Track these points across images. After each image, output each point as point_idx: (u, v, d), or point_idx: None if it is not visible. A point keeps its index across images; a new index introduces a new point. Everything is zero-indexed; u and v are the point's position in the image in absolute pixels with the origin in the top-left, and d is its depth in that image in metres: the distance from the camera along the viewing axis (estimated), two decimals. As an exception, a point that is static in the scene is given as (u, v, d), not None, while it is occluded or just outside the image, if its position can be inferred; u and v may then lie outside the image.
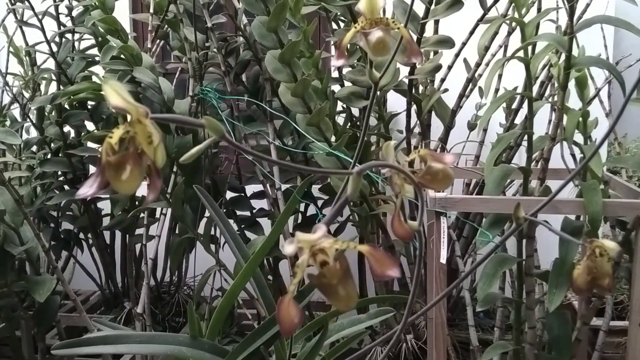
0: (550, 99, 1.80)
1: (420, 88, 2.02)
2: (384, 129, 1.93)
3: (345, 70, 1.98)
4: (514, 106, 1.97)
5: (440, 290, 1.44)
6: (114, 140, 0.47)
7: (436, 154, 0.65)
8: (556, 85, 1.72)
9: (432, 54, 1.85)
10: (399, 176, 0.63)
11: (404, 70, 1.87)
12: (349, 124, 1.97)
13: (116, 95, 0.46)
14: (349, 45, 1.95)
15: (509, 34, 2.04)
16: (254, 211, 2.02)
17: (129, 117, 0.48)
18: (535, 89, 1.79)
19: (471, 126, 2.31)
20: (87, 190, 0.47)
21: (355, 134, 1.88)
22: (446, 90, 1.85)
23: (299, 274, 0.49)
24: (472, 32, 1.85)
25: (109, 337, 0.81)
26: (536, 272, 1.54)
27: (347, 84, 1.92)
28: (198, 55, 1.65)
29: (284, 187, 1.86)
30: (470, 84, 1.93)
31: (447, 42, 1.52)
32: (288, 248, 0.47)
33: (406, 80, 1.87)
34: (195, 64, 1.83)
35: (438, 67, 1.61)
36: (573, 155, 1.71)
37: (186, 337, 0.89)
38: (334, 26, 1.96)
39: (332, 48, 2.13)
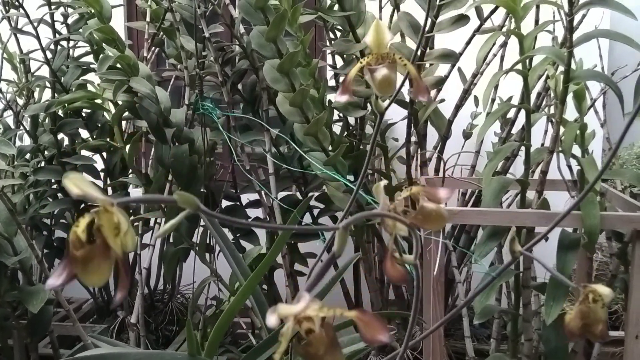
0: (546, 110, 1.80)
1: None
2: (379, 137, 1.92)
3: (342, 79, 1.98)
4: (509, 116, 1.97)
5: (437, 302, 1.44)
6: (80, 230, 0.45)
7: (429, 190, 0.64)
8: (552, 96, 1.73)
9: (427, 64, 1.85)
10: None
11: (401, 79, 1.86)
12: (346, 132, 1.97)
13: (75, 187, 0.44)
14: (345, 56, 1.96)
15: (505, 44, 2.05)
16: (250, 220, 2.01)
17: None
18: (532, 99, 1.79)
19: (466, 135, 2.31)
20: (55, 281, 0.45)
21: (351, 143, 1.88)
22: (442, 100, 1.85)
23: (284, 343, 0.47)
24: (468, 43, 1.85)
25: (106, 356, 0.80)
26: (533, 284, 1.54)
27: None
28: (197, 64, 1.64)
29: (280, 195, 1.85)
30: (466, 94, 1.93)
31: (451, 56, 1.52)
32: (270, 319, 0.45)
33: (403, 90, 1.87)
34: (191, 72, 1.82)
35: (440, 81, 1.61)
36: (569, 167, 1.71)
37: (184, 355, 0.88)
38: (331, 35, 1.96)
39: (329, 57, 2.13)
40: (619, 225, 1.39)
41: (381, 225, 1.66)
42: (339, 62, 2.01)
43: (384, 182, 0.64)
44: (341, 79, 1.99)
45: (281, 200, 1.86)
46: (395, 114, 1.93)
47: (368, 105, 1.81)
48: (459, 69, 2.00)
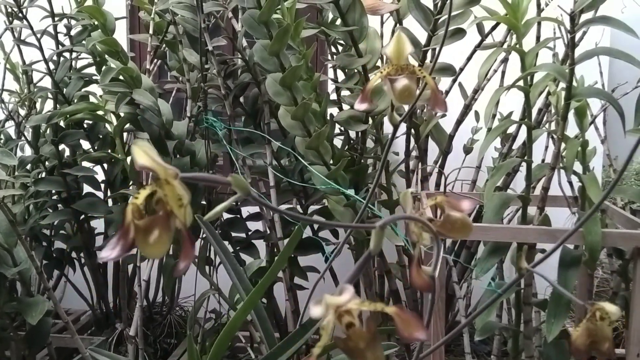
0: (547, 126, 1.81)
1: (417, 112, 2.03)
2: (381, 151, 1.93)
3: (343, 93, 1.98)
4: (510, 131, 1.98)
5: (438, 318, 1.43)
6: (140, 201, 0.45)
7: (453, 201, 0.64)
8: (553, 112, 1.73)
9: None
10: (417, 225, 0.62)
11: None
12: (347, 146, 1.97)
13: (144, 155, 0.44)
14: (346, 70, 1.97)
15: (506, 60, 2.06)
16: (250, 233, 2.00)
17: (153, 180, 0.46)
18: (533, 115, 1.80)
19: (467, 150, 2.32)
20: (109, 253, 0.45)
21: (352, 157, 1.88)
22: (444, 115, 1.86)
23: (325, 336, 0.47)
24: (469, 59, 1.86)
25: (106, 370, 0.80)
26: (534, 300, 1.53)
27: (344, 107, 1.92)
28: (200, 77, 1.64)
29: (280, 208, 1.85)
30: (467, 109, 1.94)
31: (449, 70, 1.52)
32: (315, 310, 0.45)
33: (404, 105, 1.87)
34: (193, 85, 1.83)
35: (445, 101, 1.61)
36: (570, 183, 1.71)
37: (185, 368, 0.87)
38: (333, 50, 1.97)
39: (330, 71, 2.13)
40: (620, 243, 1.39)
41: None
42: (340, 76, 2.01)
43: (410, 189, 0.65)
44: (343, 92, 1.99)
45: (282, 212, 1.86)
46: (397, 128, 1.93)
47: (369, 119, 1.82)
48: (460, 84, 2.01)
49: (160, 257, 0.47)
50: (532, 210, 1.53)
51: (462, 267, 1.90)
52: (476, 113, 2.17)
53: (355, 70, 1.88)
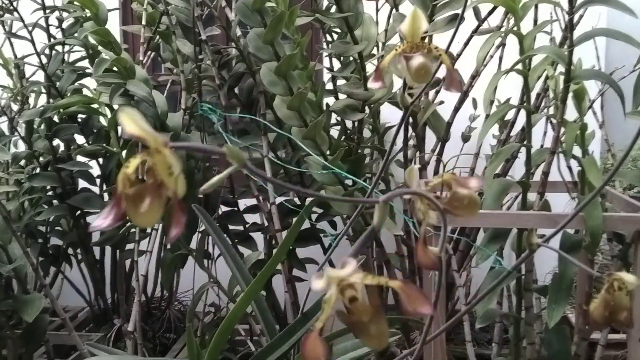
0: (545, 111, 1.79)
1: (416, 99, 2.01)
2: (378, 141, 1.91)
3: (339, 82, 1.97)
4: (507, 117, 1.96)
5: (440, 306, 1.42)
6: (131, 170, 0.45)
7: (460, 179, 0.63)
8: (551, 97, 1.72)
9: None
10: (423, 202, 0.61)
11: (397, 82, 1.85)
12: (343, 136, 1.95)
13: (132, 123, 0.43)
14: (342, 58, 1.95)
15: (502, 45, 2.04)
16: (247, 225, 1.99)
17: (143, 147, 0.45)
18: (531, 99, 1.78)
19: (465, 138, 2.30)
20: (101, 222, 0.45)
21: (349, 147, 1.86)
22: (442, 102, 1.84)
23: (327, 309, 0.46)
24: (466, 44, 1.84)
25: (106, 363, 0.78)
26: (535, 287, 1.52)
27: (340, 96, 1.90)
28: (195, 67, 1.62)
29: (278, 200, 1.83)
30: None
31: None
32: (316, 284, 0.44)
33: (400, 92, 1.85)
34: (187, 76, 1.80)
35: (437, 82, 1.60)
36: (569, 168, 1.70)
37: (185, 361, 0.86)
38: (328, 38, 1.95)
39: (326, 60, 2.11)
40: (621, 227, 1.38)
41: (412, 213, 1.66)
42: (336, 65, 2.00)
43: (417, 165, 0.63)
44: (339, 82, 1.98)
45: (279, 204, 1.84)
46: (392, 117, 1.91)
47: (366, 108, 1.80)
48: (456, 71, 1.99)
49: (151, 225, 0.46)
50: (531, 196, 1.52)
51: (461, 255, 1.89)
52: (474, 100, 2.15)
53: (351, 59, 1.86)
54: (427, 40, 0.68)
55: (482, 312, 1.43)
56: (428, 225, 0.62)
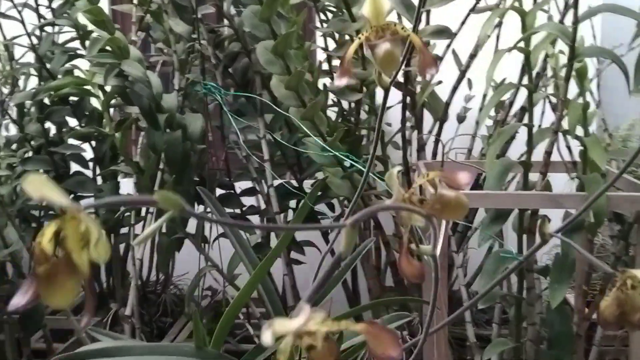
0: (543, 90, 1.77)
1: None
2: (374, 122, 1.89)
3: (339, 61, 1.94)
4: (503, 98, 1.94)
5: (442, 289, 1.41)
6: (45, 241, 0.39)
7: (448, 174, 0.59)
8: (550, 75, 1.70)
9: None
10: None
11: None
12: (340, 118, 1.93)
13: (35, 190, 0.37)
14: (337, 35, 1.92)
15: (500, 24, 2.01)
16: (244, 209, 1.96)
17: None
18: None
19: (461, 118, 2.29)
20: (19, 300, 0.40)
21: (347, 128, 1.84)
22: (440, 82, 1.82)
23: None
24: (463, 22, 1.82)
25: (109, 350, 0.76)
26: (536, 267, 1.52)
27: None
28: (192, 48, 1.59)
29: (276, 183, 1.82)
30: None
31: (445, 32, 1.48)
32: (265, 337, 0.39)
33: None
34: (180, 56, 1.77)
35: (436, 59, 1.57)
36: (569, 148, 1.69)
37: (191, 347, 0.84)
38: (322, 17, 1.91)
39: (319, 39, 2.08)
40: (625, 206, 1.37)
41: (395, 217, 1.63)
42: (331, 45, 1.97)
43: (397, 168, 0.59)
44: (334, 62, 1.95)
45: (277, 187, 1.82)
46: (389, 98, 1.89)
47: (364, 88, 1.78)
48: (454, 51, 1.97)
49: (66, 306, 0.41)
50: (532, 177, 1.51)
51: (460, 236, 1.88)
52: (469, 81, 2.13)
53: (347, 37, 1.83)
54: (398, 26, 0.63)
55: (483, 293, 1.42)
56: (419, 227, 0.58)
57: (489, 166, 1.37)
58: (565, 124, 1.40)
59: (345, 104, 1.94)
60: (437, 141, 1.82)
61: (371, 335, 0.44)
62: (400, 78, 1.76)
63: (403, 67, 1.67)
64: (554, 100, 1.73)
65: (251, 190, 1.93)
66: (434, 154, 1.90)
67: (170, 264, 2.07)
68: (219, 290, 2.06)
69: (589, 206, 0.63)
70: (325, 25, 1.87)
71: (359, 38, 0.62)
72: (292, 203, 1.95)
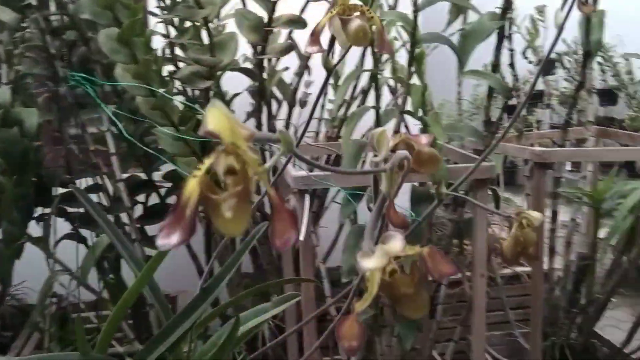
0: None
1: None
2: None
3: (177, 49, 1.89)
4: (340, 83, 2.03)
5: (308, 268, 1.46)
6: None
7: (413, 137, 0.65)
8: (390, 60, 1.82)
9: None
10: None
11: (242, 49, 1.84)
12: (188, 106, 1.89)
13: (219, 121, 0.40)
14: (177, 26, 1.87)
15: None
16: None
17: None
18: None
19: (302, 103, 2.36)
20: (169, 240, 0.40)
21: (196, 117, 1.80)
22: (287, 68, 1.86)
23: (373, 288, 0.45)
24: (302, 11, 1.87)
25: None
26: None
27: (180, 64, 1.84)
28: (30, 36, 1.45)
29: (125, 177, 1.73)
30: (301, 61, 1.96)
31: (299, 22, 1.52)
32: (370, 262, 0.43)
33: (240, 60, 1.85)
34: (7, 47, 1.61)
35: (290, 47, 1.61)
36: (407, 127, 1.82)
37: (76, 355, 0.79)
38: (161, 4, 1.85)
39: (160, 26, 2.00)
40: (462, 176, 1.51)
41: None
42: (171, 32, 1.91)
43: (381, 129, 0.63)
44: (176, 50, 1.90)
45: (126, 181, 1.74)
46: (231, 85, 1.89)
47: (213, 75, 1.76)
48: (291, 37, 2.02)
49: (241, 234, 0.42)
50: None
51: (314, 216, 1.96)
52: (307, 67, 2.20)
53: (188, 24, 1.79)
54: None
55: (346, 267, 1.49)
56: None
57: (345, 147, 1.44)
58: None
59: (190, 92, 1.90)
60: (287, 125, 1.87)
61: (431, 258, 0.49)
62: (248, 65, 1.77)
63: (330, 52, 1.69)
64: (391, 83, 1.87)
65: (96, 186, 1.82)
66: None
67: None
68: (64, 295, 1.93)
69: (471, 173, 0.71)
70: (164, 12, 1.82)
71: (331, 13, 0.65)
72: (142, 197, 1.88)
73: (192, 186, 0.42)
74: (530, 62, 3.44)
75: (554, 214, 1.90)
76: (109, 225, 0.89)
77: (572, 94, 1.68)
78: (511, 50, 2.18)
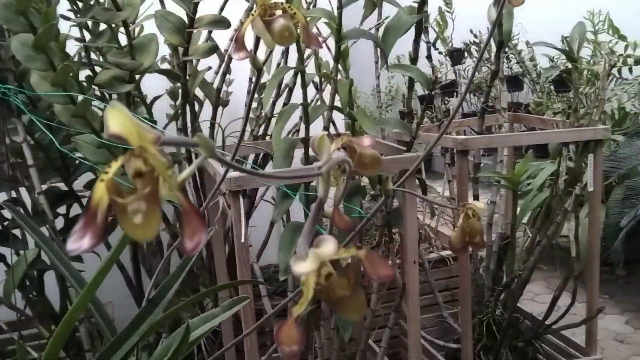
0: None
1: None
2: (147, 112, 1.83)
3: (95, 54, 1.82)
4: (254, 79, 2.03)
5: (245, 269, 1.45)
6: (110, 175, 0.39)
7: (356, 140, 0.66)
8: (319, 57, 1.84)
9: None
10: (336, 169, 0.62)
11: (162, 50, 1.80)
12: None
13: (116, 123, 0.37)
14: (90, 24, 1.81)
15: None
16: (6, 223, 1.76)
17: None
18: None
19: (223, 103, 2.34)
20: (79, 244, 0.37)
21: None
22: (209, 68, 1.84)
23: (308, 292, 0.45)
24: (222, 9, 1.85)
25: None
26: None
27: (97, 68, 1.78)
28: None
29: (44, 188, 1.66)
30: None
31: (223, 22, 1.50)
32: (302, 267, 0.43)
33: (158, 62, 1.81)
34: None
35: (214, 48, 1.59)
36: (333, 122, 1.85)
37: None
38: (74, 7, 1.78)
39: (74, 30, 1.92)
40: (392, 167, 1.55)
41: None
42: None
43: (322, 133, 0.63)
44: (92, 54, 1.84)
45: (45, 192, 1.67)
46: (149, 88, 1.86)
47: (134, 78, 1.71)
48: (209, 33, 1.99)
49: (151, 239, 0.40)
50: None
51: (245, 216, 1.94)
52: (228, 66, 2.19)
53: (104, 27, 1.74)
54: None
55: (283, 266, 1.50)
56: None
57: (276, 145, 1.44)
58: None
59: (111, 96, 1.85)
60: (212, 126, 1.85)
61: (368, 261, 0.48)
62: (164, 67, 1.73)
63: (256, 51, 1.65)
64: (315, 79, 1.89)
65: (14, 200, 1.73)
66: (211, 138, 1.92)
67: None
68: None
69: (419, 163, 0.73)
70: (78, 15, 1.75)
71: (252, 15, 0.64)
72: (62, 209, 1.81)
73: (101, 190, 0.41)
74: (440, 53, 3.57)
75: (476, 198, 1.99)
76: (44, 240, 0.86)
77: (487, 82, 1.76)
78: (428, 42, 2.26)
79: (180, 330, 0.85)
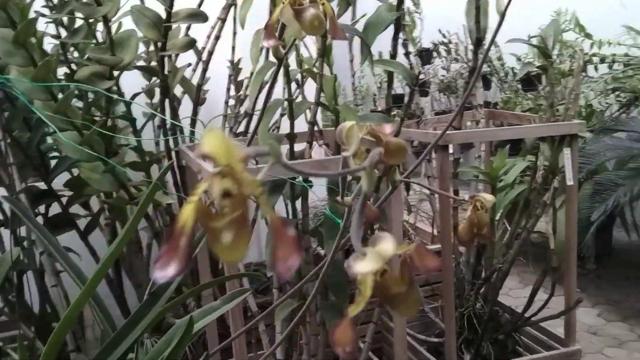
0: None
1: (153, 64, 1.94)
2: (127, 109, 1.81)
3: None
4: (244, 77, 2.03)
5: (232, 267, 1.45)
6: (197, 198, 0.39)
7: (379, 128, 0.65)
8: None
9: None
10: (359, 157, 0.62)
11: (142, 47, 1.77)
12: (88, 108, 1.80)
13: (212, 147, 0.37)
14: (65, 19, 1.78)
15: (235, 5, 2.07)
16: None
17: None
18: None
19: (201, 101, 2.32)
20: (164, 272, 0.37)
21: (100, 119, 1.72)
22: (189, 64, 1.82)
23: (366, 291, 0.45)
24: (200, 4, 1.84)
25: None
26: (311, 229, 1.65)
27: (73, 66, 1.75)
28: None
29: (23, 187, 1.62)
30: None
31: (200, 16, 1.49)
32: (364, 266, 0.42)
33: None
34: None
35: (192, 42, 1.57)
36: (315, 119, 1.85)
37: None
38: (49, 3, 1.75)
39: (50, 27, 1.89)
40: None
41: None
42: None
43: (351, 122, 0.62)
44: (70, 52, 1.80)
45: (25, 191, 1.63)
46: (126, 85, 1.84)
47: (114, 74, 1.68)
48: (187, 28, 1.97)
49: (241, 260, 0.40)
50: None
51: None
52: (205, 63, 2.17)
53: (79, 23, 1.71)
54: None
55: (270, 262, 1.50)
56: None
57: (262, 141, 1.44)
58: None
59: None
60: (193, 122, 1.83)
61: (418, 255, 0.48)
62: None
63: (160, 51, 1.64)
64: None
65: (-9, 200, 1.69)
66: (192, 135, 1.90)
67: None
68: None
69: (421, 160, 0.73)
70: (53, 12, 1.71)
71: (283, 3, 0.63)
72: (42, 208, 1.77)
73: (188, 213, 0.40)
74: (409, 53, 3.61)
75: (456, 193, 2.01)
76: (45, 235, 0.84)
77: (467, 80, 1.78)
78: (405, 40, 2.29)
79: (182, 323, 0.84)
